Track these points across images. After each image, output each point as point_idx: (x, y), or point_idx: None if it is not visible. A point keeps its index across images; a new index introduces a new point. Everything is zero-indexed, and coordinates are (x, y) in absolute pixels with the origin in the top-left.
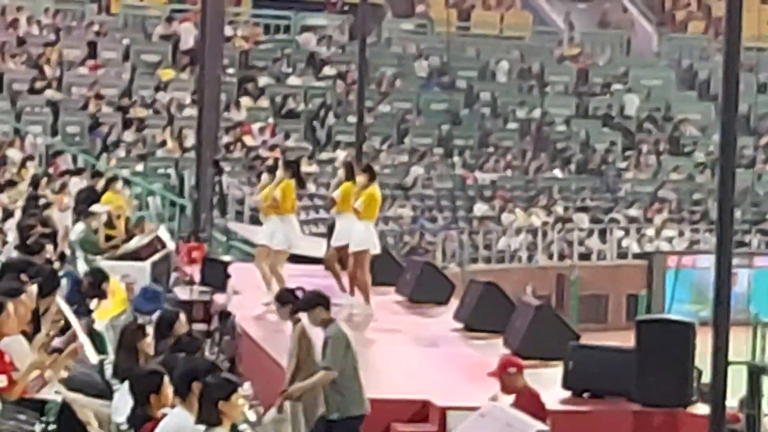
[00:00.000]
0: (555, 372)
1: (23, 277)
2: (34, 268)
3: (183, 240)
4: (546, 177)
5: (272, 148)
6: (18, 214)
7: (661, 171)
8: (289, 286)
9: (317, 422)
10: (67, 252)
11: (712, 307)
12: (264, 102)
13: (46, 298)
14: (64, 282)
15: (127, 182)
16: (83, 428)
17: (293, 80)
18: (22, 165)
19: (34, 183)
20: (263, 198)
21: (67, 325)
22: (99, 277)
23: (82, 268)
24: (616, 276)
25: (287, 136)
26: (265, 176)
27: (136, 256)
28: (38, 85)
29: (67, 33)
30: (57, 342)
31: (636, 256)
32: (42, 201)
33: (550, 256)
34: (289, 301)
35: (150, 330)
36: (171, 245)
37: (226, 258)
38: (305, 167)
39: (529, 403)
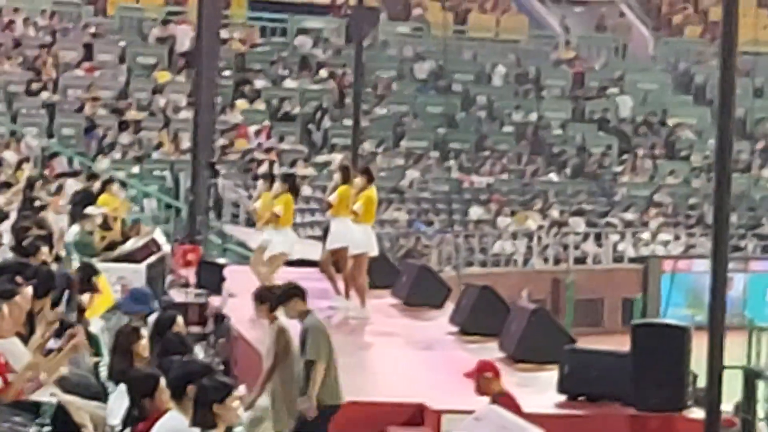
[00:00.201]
0: (550, 376)
1: (18, 278)
2: (30, 269)
3: (178, 242)
4: (542, 180)
5: (268, 150)
6: (13, 215)
7: (657, 175)
8: None
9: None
10: (63, 254)
11: (708, 311)
12: (260, 105)
13: (41, 299)
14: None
15: (123, 184)
16: (78, 430)
17: (289, 83)
18: (18, 167)
19: (30, 185)
20: (262, 209)
21: (63, 327)
22: (89, 272)
23: None
24: (611, 280)
25: (282, 139)
26: (261, 183)
27: (131, 258)
28: (34, 87)
29: (64, 35)
30: (53, 344)
31: (632, 260)
32: (37, 203)
33: (546, 260)
34: (267, 299)
35: (145, 332)
36: (166, 248)
37: (222, 261)
38: (301, 170)
39: (508, 406)
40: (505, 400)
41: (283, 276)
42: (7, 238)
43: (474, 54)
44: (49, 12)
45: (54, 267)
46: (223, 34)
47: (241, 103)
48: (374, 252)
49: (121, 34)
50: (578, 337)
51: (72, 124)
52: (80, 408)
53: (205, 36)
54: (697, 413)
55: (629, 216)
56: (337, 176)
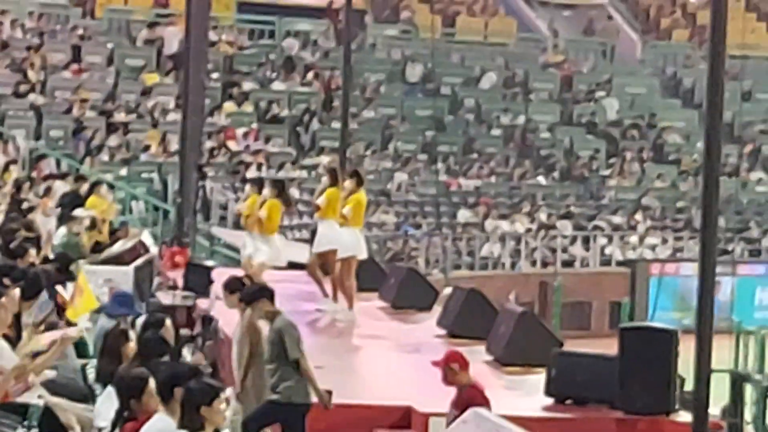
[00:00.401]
0: (538, 379)
1: (6, 281)
2: (17, 271)
3: (166, 245)
4: (530, 184)
5: (256, 153)
6: (1, 218)
7: (645, 178)
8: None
9: (263, 405)
10: (51, 256)
11: (695, 314)
12: (248, 107)
13: (28, 301)
14: None
15: (111, 187)
16: None
17: (277, 85)
18: (5, 169)
19: (17, 187)
20: (247, 208)
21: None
22: (65, 261)
23: None
24: (599, 283)
25: (268, 140)
26: (248, 188)
27: (119, 260)
28: (22, 88)
29: (51, 37)
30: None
31: (619, 263)
32: (25, 205)
33: (534, 263)
34: (237, 289)
35: (134, 335)
36: (154, 250)
37: (210, 263)
38: (289, 173)
39: (473, 397)
40: (472, 391)
41: (270, 278)
42: None
43: (462, 57)
44: (37, 14)
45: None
46: (212, 36)
47: (229, 106)
48: (363, 255)
49: (109, 36)
50: (566, 341)
51: (60, 126)
52: (67, 410)
53: (193, 38)
54: (685, 417)
55: (617, 219)
56: (324, 179)
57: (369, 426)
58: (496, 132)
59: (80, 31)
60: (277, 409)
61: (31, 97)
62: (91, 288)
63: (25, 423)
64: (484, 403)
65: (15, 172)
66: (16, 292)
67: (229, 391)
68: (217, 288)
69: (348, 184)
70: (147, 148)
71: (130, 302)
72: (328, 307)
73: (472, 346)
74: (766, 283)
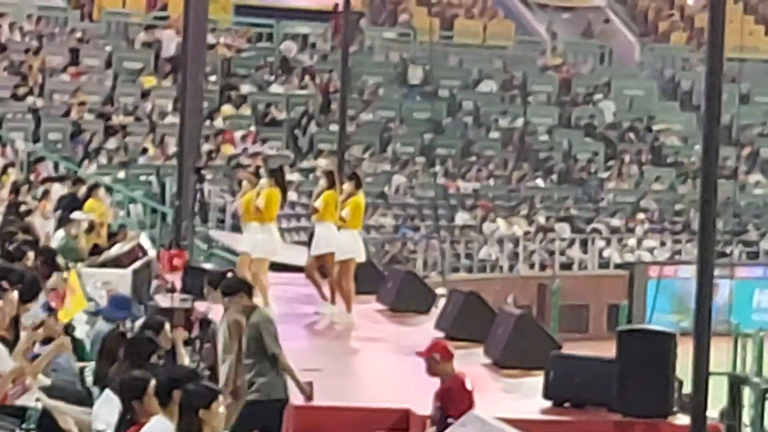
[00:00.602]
0: (536, 382)
1: (4, 283)
2: (15, 274)
3: (164, 247)
4: (528, 186)
5: (254, 155)
6: None
7: (643, 181)
8: (272, 293)
9: (245, 408)
10: None
11: (694, 317)
12: (246, 110)
13: (26, 304)
14: None
15: (109, 189)
16: None
17: (275, 88)
18: (3, 171)
19: (16, 190)
20: (244, 203)
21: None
22: (49, 254)
23: None
24: (597, 286)
25: (264, 142)
26: (245, 183)
27: (117, 263)
28: (20, 91)
29: (50, 40)
30: (38, 349)
31: (617, 266)
32: (23, 208)
33: (532, 266)
34: (219, 283)
35: None
36: (152, 252)
37: (208, 265)
38: (287, 175)
39: (453, 388)
40: (453, 382)
41: (269, 281)
42: None
43: (460, 60)
44: (36, 17)
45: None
46: (209, 39)
47: (227, 109)
48: (361, 258)
49: (107, 39)
50: (564, 343)
51: (58, 128)
52: (65, 413)
53: (191, 41)
54: (683, 419)
55: (615, 222)
56: (322, 181)
57: (367, 429)
58: (494, 135)
59: (78, 34)
60: (258, 408)
61: (30, 99)
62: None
63: (23, 426)
64: (465, 394)
65: (13, 174)
66: (15, 294)
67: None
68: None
69: (346, 186)
70: (145, 150)
71: (128, 305)
72: (326, 309)
73: (470, 349)
74: (764, 286)
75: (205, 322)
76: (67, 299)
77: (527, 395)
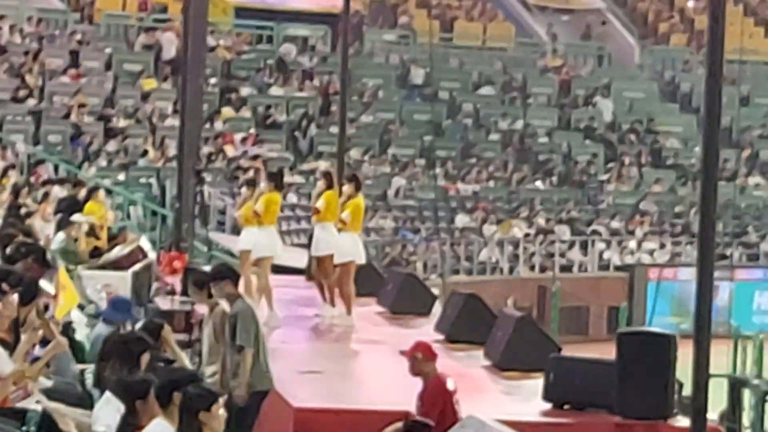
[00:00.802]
0: (536, 384)
1: (4, 286)
2: (15, 276)
3: (164, 250)
4: (528, 188)
5: (254, 158)
6: None
7: (643, 183)
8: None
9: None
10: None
11: (693, 319)
12: (246, 112)
13: (26, 306)
14: None
15: (109, 192)
16: None
17: (275, 90)
18: (4, 174)
19: (16, 192)
20: (243, 214)
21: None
22: (41, 254)
23: None
24: (597, 288)
25: (262, 143)
26: (244, 190)
27: (117, 265)
28: (20, 94)
29: (50, 42)
30: (38, 351)
31: (617, 268)
32: (23, 210)
33: (532, 268)
34: (206, 285)
35: None
36: (152, 255)
37: (208, 268)
38: (287, 178)
39: (431, 388)
40: (434, 382)
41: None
42: None
43: (460, 62)
44: (36, 19)
45: None
46: (209, 41)
47: (227, 111)
48: (362, 260)
49: (107, 41)
50: (564, 345)
51: (58, 131)
52: (65, 415)
53: (191, 43)
54: (683, 422)
55: (615, 224)
56: (320, 183)
57: (367, 431)
58: (494, 137)
59: (78, 37)
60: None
61: (30, 102)
62: (81, 290)
63: (24, 428)
64: (445, 394)
65: (13, 177)
66: (15, 297)
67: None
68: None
69: (346, 188)
70: (145, 153)
71: (129, 308)
72: (326, 312)
73: (470, 351)
74: (764, 288)
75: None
76: (60, 297)
77: (527, 397)
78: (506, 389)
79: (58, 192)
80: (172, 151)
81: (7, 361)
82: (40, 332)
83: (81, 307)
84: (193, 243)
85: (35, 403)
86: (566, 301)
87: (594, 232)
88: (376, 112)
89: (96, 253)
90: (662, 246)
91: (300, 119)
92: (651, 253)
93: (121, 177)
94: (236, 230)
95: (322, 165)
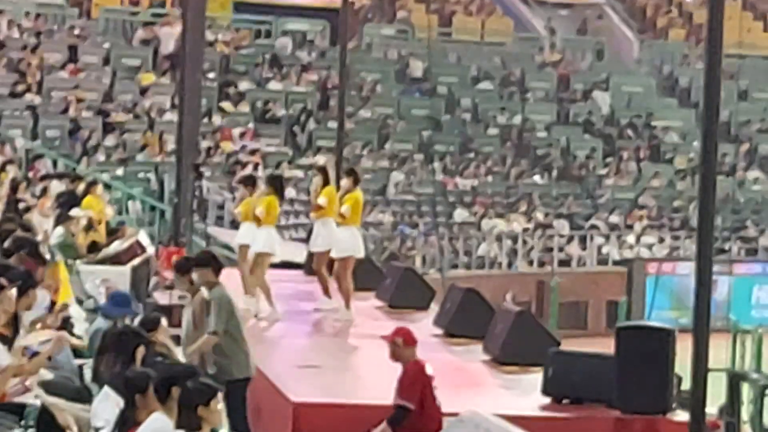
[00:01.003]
0: (535, 378)
1: (2, 280)
2: (13, 271)
3: (163, 244)
4: (526, 183)
5: (252, 153)
6: None
7: (642, 178)
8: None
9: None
10: (47, 256)
11: (692, 314)
12: (244, 107)
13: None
14: None
15: (107, 186)
16: None
17: (274, 85)
18: (2, 169)
19: (14, 187)
20: (243, 211)
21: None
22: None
23: None
24: (596, 282)
25: (260, 137)
26: (242, 188)
27: (116, 260)
28: (18, 88)
29: (48, 37)
30: (36, 346)
31: (616, 262)
32: (22, 205)
33: (530, 263)
34: (189, 271)
35: None
36: (151, 250)
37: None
38: (286, 172)
39: (409, 373)
40: (413, 367)
41: (268, 278)
42: None
43: (459, 56)
44: (34, 14)
45: None
46: (208, 36)
47: (226, 106)
48: (361, 254)
49: (106, 36)
50: (563, 340)
51: (56, 126)
52: (64, 410)
53: (189, 38)
54: (682, 416)
55: (614, 218)
56: (316, 178)
57: (366, 425)
58: (492, 131)
59: (77, 31)
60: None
61: (28, 97)
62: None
63: (22, 423)
64: (420, 380)
65: (12, 172)
66: (13, 292)
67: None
68: None
69: (345, 182)
70: (144, 148)
71: (128, 302)
72: (325, 305)
73: (469, 346)
74: (763, 282)
75: None
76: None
77: (526, 392)
78: (505, 384)
79: (57, 187)
80: (170, 145)
81: (6, 355)
82: (39, 326)
83: (80, 302)
84: (191, 238)
85: (34, 398)
86: (565, 296)
87: (593, 226)
88: (375, 106)
89: (94, 247)
90: (661, 240)
91: (299, 114)
92: (650, 247)
93: (120, 172)
94: (235, 225)
95: (321, 160)
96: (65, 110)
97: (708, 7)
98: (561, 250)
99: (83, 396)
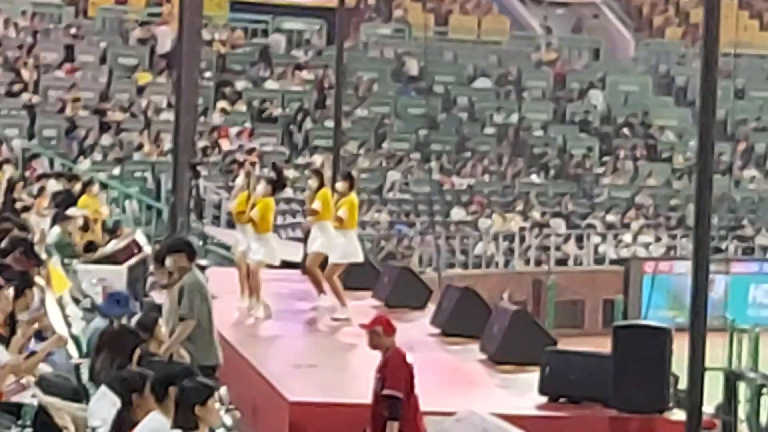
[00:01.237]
0: (531, 377)
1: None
2: (10, 271)
3: (159, 244)
4: (523, 182)
5: (249, 152)
6: None
7: (638, 177)
8: (267, 290)
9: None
10: (44, 256)
11: (689, 313)
12: (241, 106)
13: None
14: None
15: (104, 186)
16: None
17: (270, 84)
18: None
19: (11, 186)
20: (237, 206)
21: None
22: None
23: None
24: (592, 281)
25: (256, 136)
26: (240, 179)
27: (112, 259)
28: (15, 88)
29: (45, 36)
30: (33, 345)
31: (613, 261)
32: (19, 205)
33: (527, 262)
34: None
35: None
36: (147, 249)
37: (203, 262)
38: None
39: (393, 361)
40: (393, 355)
41: (265, 277)
42: None
43: (455, 55)
44: (30, 13)
45: None
46: (205, 35)
47: (223, 105)
48: (359, 259)
49: (102, 35)
50: (559, 339)
51: (53, 125)
52: (61, 409)
53: (186, 37)
54: (679, 415)
55: (610, 217)
56: (311, 181)
57: (363, 424)
58: (489, 130)
59: (73, 31)
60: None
61: (25, 96)
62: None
63: (19, 422)
64: (405, 367)
65: (8, 171)
66: (10, 291)
67: (223, 391)
68: (210, 287)
69: (340, 186)
70: (140, 147)
71: (126, 302)
72: (323, 305)
73: (465, 345)
74: (760, 281)
75: None
76: (52, 284)
77: (523, 391)
78: (502, 383)
79: (54, 186)
80: (167, 145)
81: (4, 353)
82: (36, 325)
83: (77, 301)
84: (188, 237)
85: (31, 397)
86: (562, 295)
87: (589, 225)
88: (371, 105)
89: (91, 247)
90: (658, 239)
91: (295, 113)
92: (646, 246)
93: (116, 171)
94: (231, 224)
95: (318, 159)
96: (62, 109)
97: (704, 6)
98: (558, 249)
99: (80, 395)
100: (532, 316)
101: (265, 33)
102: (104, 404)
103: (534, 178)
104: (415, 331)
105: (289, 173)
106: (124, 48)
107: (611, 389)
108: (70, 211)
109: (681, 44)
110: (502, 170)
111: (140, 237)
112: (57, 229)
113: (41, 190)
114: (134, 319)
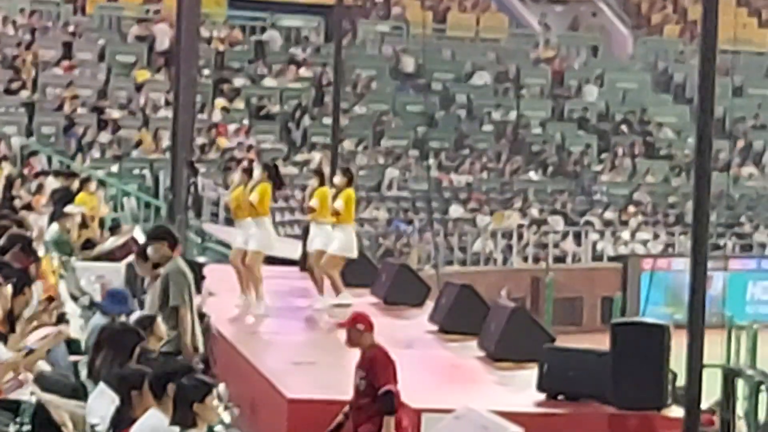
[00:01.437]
0: (530, 374)
1: None
2: (9, 268)
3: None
4: (521, 179)
5: (247, 149)
6: None
7: (637, 174)
8: (266, 287)
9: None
10: (41, 253)
11: (687, 310)
12: (239, 103)
13: (16, 297)
14: None
15: (102, 183)
16: (58, 429)
17: (269, 81)
18: None
19: (9, 184)
20: (234, 199)
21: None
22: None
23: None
24: (591, 278)
25: (255, 133)
26: (237, 175)
27: (110, 257)
28: (13, 85)
29: (43, 33)
30: (32, 342)
31: (611, 258)
32: (17, 202)
33: (525, 259)
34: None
35: None
36: None
37: (201, 259)
38: (280, 169)
39: (378, 358)
40: (375, 351)
41: (263, 275)
42: None
43: (453, 53)
44: (28, 10)
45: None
46: (203, 32)
47: (221, 102)
48: (353, 254)
49: (100, 33)
50: (557, 336)
51: (51, 122)
52: (60, 407)
53: (184, 34)
54: (677, 412)
55: (609, 215)
56: (312, 180)
57: None
58: (487, 128)
59: (71, 28)
60: None
61: (23, 93)
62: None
63: (17, 420)
64: (388, 363)
65: (6, 169)
66: (8, 288)
67: (221, 388)
68: (208, 284)
69: (338, 180)
70: (138, 144)
71: (126, 299)
72: (322, 304)
73: (463, 342)
74: (758, 278)
75: (199, 316)
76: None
77: (521, 388)
78: (500, 380)
79: (52, 183)
80: (165, 142)
81: (3, 351)
82: (35, 323)
83: (75, 299)
84: (186, 234)
85: (29, 395)
86: (560, 292)
87: (587, 222)
88: (369, 103)
89: (89, 244)
90: (656, 236)
91: (293, 110)
92: (645, 243)
93: (115, 168)
94: (230, 221)
95: (316, 156)
96: (60, 107)
97: (703, 3)
98: (556, 246)
99: (79, 393)
100: (530, 313)
101: (263, 30)
102: (103, 401)
103: (532, 175)
104: (414, 329)
105: (287, 170)
106: (122, 45)
107: (609, 386)
108: (68, 209)
109: (679, 41)
110: (501, 167)
111: (139, 234)
112: (55, 226)
113: (39, 187)
114: (133, 317)
